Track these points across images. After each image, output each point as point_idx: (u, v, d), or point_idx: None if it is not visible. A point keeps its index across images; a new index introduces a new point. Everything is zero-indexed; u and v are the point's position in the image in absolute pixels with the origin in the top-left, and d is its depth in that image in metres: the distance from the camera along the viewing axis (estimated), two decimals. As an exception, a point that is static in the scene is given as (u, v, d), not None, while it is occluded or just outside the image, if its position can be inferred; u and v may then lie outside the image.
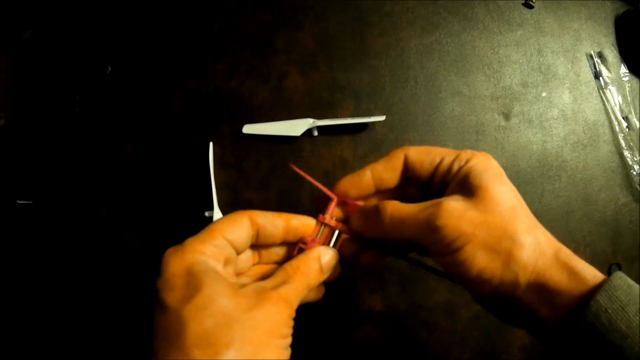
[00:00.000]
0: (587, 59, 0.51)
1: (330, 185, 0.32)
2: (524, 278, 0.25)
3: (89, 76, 0.46)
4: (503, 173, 0.29)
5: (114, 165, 0.45)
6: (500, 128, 0.49)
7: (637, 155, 0.49)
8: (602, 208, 0.48)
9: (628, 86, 0.51)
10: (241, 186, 0.45)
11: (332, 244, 0.32)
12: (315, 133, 0.46)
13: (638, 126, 0.50)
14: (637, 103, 0.51)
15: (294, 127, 0.45)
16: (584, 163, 0.49)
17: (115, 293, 0.43)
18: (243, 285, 0.26)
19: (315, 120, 0.45)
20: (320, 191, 0.32)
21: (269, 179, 0.46)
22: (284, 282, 0.27)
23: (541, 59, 0.51)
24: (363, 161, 0.46)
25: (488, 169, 0.28)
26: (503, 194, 0.26)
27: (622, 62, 0.52)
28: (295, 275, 0.28)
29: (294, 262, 0.29)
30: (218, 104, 0.47)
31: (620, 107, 0.50)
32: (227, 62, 0.47)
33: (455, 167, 0.29)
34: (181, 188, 0.45)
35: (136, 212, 0.44)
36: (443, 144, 0.48)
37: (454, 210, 0.26)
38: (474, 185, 0.27)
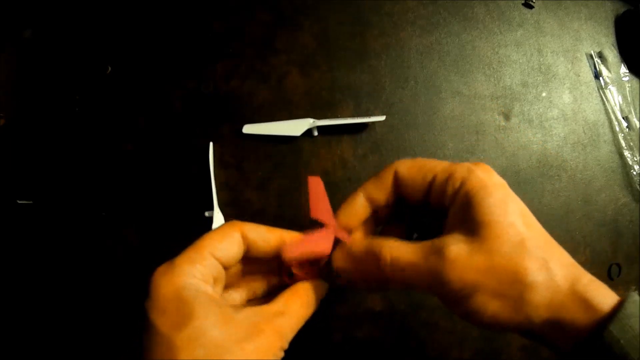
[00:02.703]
0: (587, 59, 0.51)
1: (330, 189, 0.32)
2: (537, 318, 0.24)
3: (89, 76, 0.46)
4: (507, 191, 0.26)
5: (114, 165, 0.45)
6: (500, 128, 0.49)
7: (637, 155, 0.49)
8: (602, 208, 0.48)
9: (628, 86, 0.51)
10: (241, 186, 0.45)
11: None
12: (315, 133, 0.46)
13: (638, 126, 0.50)
14: (637, 103, 0.51)
15: (294, 127, 0.45)
16: (584, 163, 0.49)
17: (116, 293, 0.43)
18: (236, 309, 0.25)
19: (315, 121, 0.45)
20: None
21: (269, 179, 0.46)
22: (281, 314, 0.26)
23: (541, 59, 0.51)
24: (363, 161, 0.46)
25: (489, 192, 0.26)
26: (509, 227, 0.25)
27: (622, 62, 0.52)
28: (295, 306, 0.27)
29: (296, 293, 0.28)
30: (218, 104, 0.47)
31: (620, 107, 0.50)
32: (227, 62, 0.47)
33: (450, 190, 0.27)
34: (181, 188, 0.45)
35: (136, 212, 0.44)
36: (443, 144, 0.48)
37: (457, 259, 0.24)
38: (476, 219, 0.25)
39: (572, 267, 0.25)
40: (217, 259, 0.26)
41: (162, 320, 0.23)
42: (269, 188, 0.45)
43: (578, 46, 0.51)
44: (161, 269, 0.25)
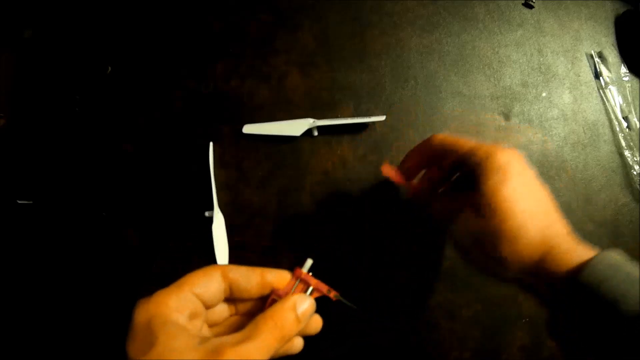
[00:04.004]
0: (587, 59, 0.51)
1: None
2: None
3: (89, 76, 0.46)
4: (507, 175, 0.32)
5: (114, 165, 0.45)
6: (500, 128, 0.49)
7: (637, 155, 0.49)
8: (602, 208, 0.48)
9: (628, 86, 0.51)
10: (241, 186, 0.45)
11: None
12: (315, 133, 0.46)
13: (638, 126, 0.50)
14: (637, 103, 0.51)
15: (294, 127, 0.45)
16: (584, 163, 0.49)
17: (116, 293, 0.43)
18: (204, 339, 0.25)
19: (316, 120, 0.45)
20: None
21: (269, 179, 0.46)
22: (247, 338, 0.25)
23: (541, 59, 0.51)
24: (363, 161, 0.46)
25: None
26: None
27: (622, 62, 0.52)
28: (265, 328, 0.26)
29: (266, 314, 0.27)
30: (218, 104, 0.47)
31: (620, 107, 0.50)
32: (227, 62, 0.47)
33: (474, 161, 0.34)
34: (181, 188, 0.45)
35: (136, 212, 0.44)
36: (443, 144, 0.48)
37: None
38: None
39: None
40: (196, 295, 0.27)
41: (131, 347, 0.25)
42: (269, 188, 0.45)
43: (578, 46, 0.51)
44: (141, 300, 0.26)
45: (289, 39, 0.48)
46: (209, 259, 0.43)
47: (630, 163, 0.49)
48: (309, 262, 0.32)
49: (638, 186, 0.49)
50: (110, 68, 0.47)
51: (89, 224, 0.44)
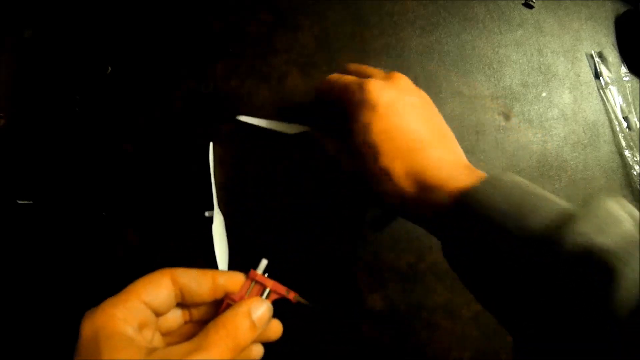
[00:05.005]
0: (587, 59, 0.51)
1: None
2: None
3: (89, 76, 0.46)
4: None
5: (114, 165, 0.45)
6: (500, 128, 0.49)
7: (637, 155, 0.49)
8: (602, 208, 0.48)
9: (628, 86, 0.51)
10: (241, 186, 0.45)
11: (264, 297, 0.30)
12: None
13: (638, 126, 0.50)
14: (637, 103, 0.51)
15: (289, 127, 0.45)
16: (584, 163, 0.49)
17: (116, 293, 0.43)
18: (152, 351, 0.24)
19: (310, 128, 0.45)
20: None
21: (269, 179, 0.46)
22: (197, 349, 0.24)
23: (541, 59, 0.51)
24: (363, 161, 0.46)
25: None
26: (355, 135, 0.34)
27: (622, 62, 0.52)
28: (217, 337, 0.25)
29: (218, 321, 0.26)
30: (218, 104, 0.47)
31: (620, 107, 0.50)
32: (227, 62, 0.47)
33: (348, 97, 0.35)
34: (181, 188, 0.45)
35: (136, 212, 0.44)
36: (443, 144, 0.48)
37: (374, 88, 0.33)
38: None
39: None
40: (145, 304, 0.26)
41: None
42: (269, 188, 0.45)
43: (578, 46, 0.51)
44: (88, 312, 0.26)
45: (289, 39, 0.48)
46: (209, 259, 0.43)
47: (630, 163, 0.49)
48: (264, 263, 0.30)
49: (638, 186, 0.49)
50: (110, 68, 0.47)
51: (89, 224, 0.44)
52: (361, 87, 0.33)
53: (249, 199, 0.45)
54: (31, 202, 0.44)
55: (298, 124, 0.45)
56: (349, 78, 0.36)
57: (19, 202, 0.44)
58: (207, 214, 0.43)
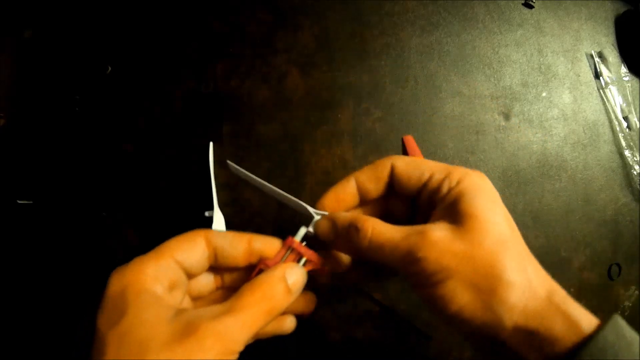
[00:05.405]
0: (587, 59, 0.51)
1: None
2: (510, 321, 0.23)
3: (89, 76, 0.46)
4: (498, 197, 0.26)
5: (114, 165, 0.45)
6: (500, 128, 0.49)
7: (637, 155, 0.49)
8: (602, 208, 0.48)
9: (628, 86, 0.51)
10: (241, 186, 0.45)
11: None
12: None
13: (638, 126, 0.50)
14: (637, 103, 0.51)
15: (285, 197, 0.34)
16: (584, 163, 0.49)
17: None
18: (180, 311, 0.22)
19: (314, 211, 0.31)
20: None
21: (269, 179, 0.46)
22: (228, 311, 0.22)
23: (541, 59, 0.51)
24: (363, 161, 0.46)
25: (481, 193, 0.25)
26: (495, 225, 0.24)
27: (622, 62, 0.52)
28: (252, 299, 0.23)
29: (252, 283, 0.24)
30: (218, 104, 0.47)
31: (620, 107, 0.50)
32: (227, 62, 0.47)
33: (445, 187, 0.26)
34: (181, 188, 0.45)
35: (136, 212, 0.44)
36: (443, 144, 0.48)
37: (438, 242, 0.24)
38: (464, 212, 0.24)
39: (547, 279, 0.24)
40: (178, 263, 0.25)
41: (100, 318, 0.22)
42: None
43: (578, 46, 0.51)
44: (117, 268, 0.24)
45: (289, 39, 0.48)
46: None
47: (630, 163, 0.49)
48: (303, 230, 0.28)
49: (638, 186, 0.49)
50: (110, 68, 0.47)
51: (89, 224, 0.44)
52: (470, 172, 0.27)
53: (248, 198, 0.45)
54: (31, 202, 0.44)
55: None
56: (438, 164, 0.28)
57: (19, 202, 0.44)
58: (207, 214, 0.43)
